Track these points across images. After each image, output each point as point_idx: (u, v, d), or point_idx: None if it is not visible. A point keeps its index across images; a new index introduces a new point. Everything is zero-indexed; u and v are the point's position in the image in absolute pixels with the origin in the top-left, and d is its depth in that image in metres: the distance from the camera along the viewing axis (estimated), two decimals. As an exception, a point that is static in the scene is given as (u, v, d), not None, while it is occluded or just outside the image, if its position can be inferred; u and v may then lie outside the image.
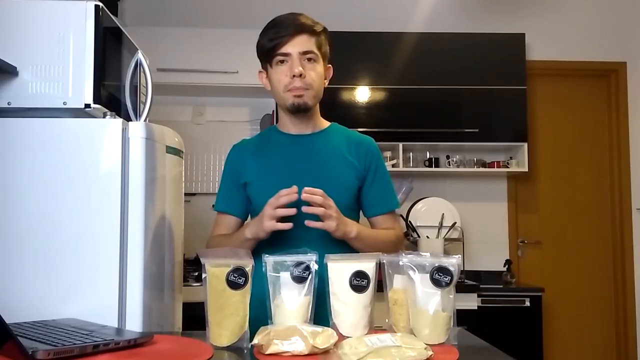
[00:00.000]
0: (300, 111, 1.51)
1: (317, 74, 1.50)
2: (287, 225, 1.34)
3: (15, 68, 1.45)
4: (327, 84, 1.57)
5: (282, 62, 1.48)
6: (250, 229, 1.42)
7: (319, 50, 1.50)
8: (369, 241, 1.47)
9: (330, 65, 1.58)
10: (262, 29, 1.52)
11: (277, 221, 1.34)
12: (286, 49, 1.46)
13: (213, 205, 1.62)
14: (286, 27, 1.47)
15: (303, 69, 1.46)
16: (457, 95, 3.49)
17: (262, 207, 1.45)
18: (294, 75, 1.45)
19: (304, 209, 1.34)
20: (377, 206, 1.57)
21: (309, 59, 1.48)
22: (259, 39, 1.52)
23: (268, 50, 1.48)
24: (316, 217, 1.37)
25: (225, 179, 1.60)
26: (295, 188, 1.35)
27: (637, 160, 3.80)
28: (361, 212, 1.61)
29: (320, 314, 1.16)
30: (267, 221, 1.35)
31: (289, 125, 1.57)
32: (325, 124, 1.62)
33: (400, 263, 1.15)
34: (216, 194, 1.62)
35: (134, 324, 1.40)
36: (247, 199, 1.57)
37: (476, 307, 3.13)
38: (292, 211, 1.34)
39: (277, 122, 1.64)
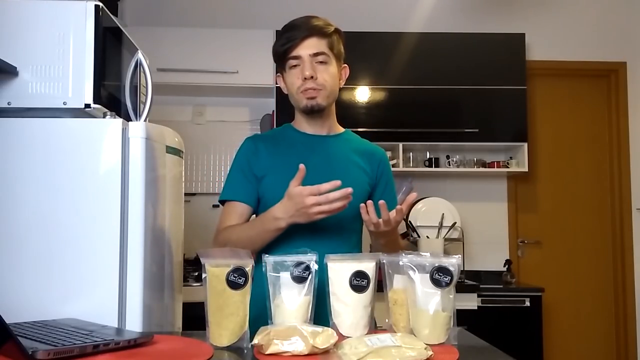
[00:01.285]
0: (314, 112, 1.53)
1: (330, 75, 1.51)
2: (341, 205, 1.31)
3: (15, 68, 1.45)
4: (342, 83, 1.59)
5: (295, 65, 1.50)
6: (284, 220, 1.36)
7: (331, 51, 1.52)
8: (393, 238, 1.50)
9: (346, 65, 1.60)
10: (277, 33, 1.55)
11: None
12: (297, 52, 1.48)
13: (213, 205, 1.61)
14: (297, 30, 1.49)
15: (315, 71, 1.48)
16: (457, 95, 3.49)
17: (273, 202, 1.41)
18: (305, 78, 1.47)
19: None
20: None
21: (321, 61, 1.50)
22: (274, 44, 1.54)
23: (281, 55, 1.51)
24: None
25: (237, 167, 1.56)
26: (340, 186, 1.32)
27: (637, 160, 3.80)
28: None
29: (320, 314, 1.16)
30: (316, 215, 1.31)
31: (305, 125, 1.59)
32: (340, 129, 1.65)
33: (400, 263, 1.15)
34: (217, 193, 1.62)
35: (134, 324, 1.40)
36: (257, 190, 1.54)
37: (476, 307, 3.13)
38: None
39: (292, 121, 1.64)
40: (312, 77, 1.47)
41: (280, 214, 1.37)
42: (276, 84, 1.64)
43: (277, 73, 1.60)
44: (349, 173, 1.53)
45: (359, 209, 1.48)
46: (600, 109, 3.93)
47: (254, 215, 1.56)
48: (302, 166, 1.34)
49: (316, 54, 1.49)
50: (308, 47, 1.48)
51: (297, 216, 1.34)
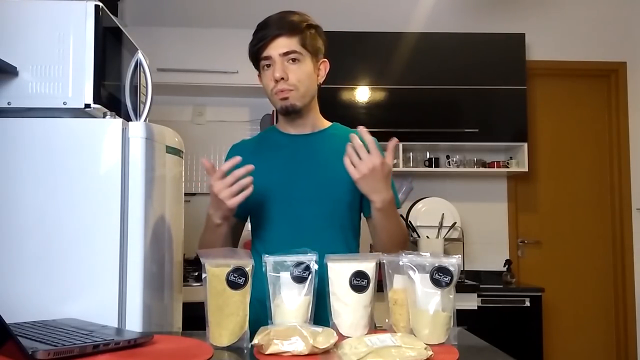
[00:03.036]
0: (289, 113, 1.50)
1: (304, 73, 1.47)
2: (248, 192, 1.33)
3: (15, 68, 1.45)
4: (321, 80, 1.54)
5: (267, 66, 1.48)
6: (216, 215, 1.40)
7: (304, 48, 1.47)
8: (392, 220, 1.47)
9: (325, 59, 1.55)
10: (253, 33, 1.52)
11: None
12: (268, 52, 1.45)
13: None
14: (268, 29, 1.46)
15: (286, 71, 1.44)
16: (457, 95, 3.49)
17: (258, 207, 1.44)
18: (276, 80, 1.45)
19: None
20: None
21: (293, 59, 1.46)
22: (249, 44, 1.51)
23: (253, 56, 1.50)
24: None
25: None
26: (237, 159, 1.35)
27: (637, 160, 3.80)
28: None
29: (320, 314, 1.16)
30: (229, 200, 1.34)
31: (287, 126, 1.57)
32: (326, 124, 1.61)
33: (400, 263, 1.15)
34: None
35: (134, 324, 1.40)
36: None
37: (476, 307, 3.13)
38: (249, 191, 1.34)
39: (276, 122, 1.64)
40: (282, 78, 1.44)
41: (210, 210, 1.41)
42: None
43: (258, 73, 1.57)
44: (335, 168, 1.48)
45: (349, 204, 1.47)
46: (600, 109, 3.93)
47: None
48: (204, 161, 1.38)
49: (286, 53, 1.45)
50: (278, 47, 1.44)
51: (217, 208, 1.38)
